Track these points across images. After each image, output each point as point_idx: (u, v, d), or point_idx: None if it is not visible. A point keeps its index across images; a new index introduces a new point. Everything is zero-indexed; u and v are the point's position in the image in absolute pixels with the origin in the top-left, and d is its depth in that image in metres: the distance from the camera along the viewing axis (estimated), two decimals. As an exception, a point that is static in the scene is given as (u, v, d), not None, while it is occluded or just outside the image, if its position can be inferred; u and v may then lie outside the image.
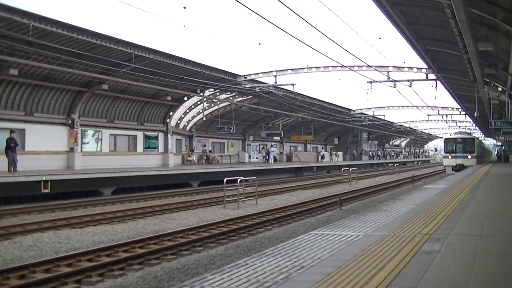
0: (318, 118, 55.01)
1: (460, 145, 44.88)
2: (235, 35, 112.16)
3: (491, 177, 22.82)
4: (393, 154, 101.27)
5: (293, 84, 36.11)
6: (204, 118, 42.29)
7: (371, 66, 30.00)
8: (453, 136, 48.51)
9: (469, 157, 44.01)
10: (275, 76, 34.92)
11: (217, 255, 11.90)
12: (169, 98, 36.11)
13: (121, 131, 35.58)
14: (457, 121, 65.95)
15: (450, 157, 44.51)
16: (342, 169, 42.29)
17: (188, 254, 12.32)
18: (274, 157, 57.91)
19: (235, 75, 36.00)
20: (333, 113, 54.41)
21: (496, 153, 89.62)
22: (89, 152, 32.78)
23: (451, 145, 45.49)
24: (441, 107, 59.11)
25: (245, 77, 36.09)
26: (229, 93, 41.08)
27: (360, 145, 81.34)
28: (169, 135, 39.77)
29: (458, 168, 42.39)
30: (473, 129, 73.79)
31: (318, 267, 5.38)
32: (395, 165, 56.45)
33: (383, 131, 77.70)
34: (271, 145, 59.90)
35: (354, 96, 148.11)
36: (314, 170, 54.90)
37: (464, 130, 55.60)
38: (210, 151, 48.57)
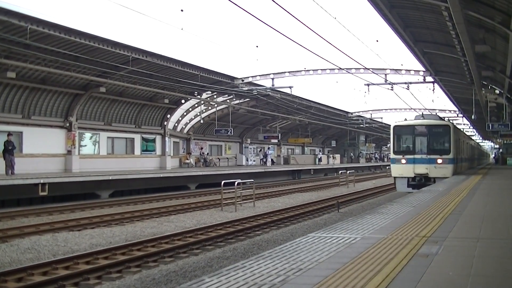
0: (316, 121, 55.04)
1: (422, 138, 25.46)
2: (233, 38, 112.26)
3: (488, 180, 22.84)
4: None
5: (290, 87, 36.13)
6: (202, 121, 42.28)
7: (368, 69, 30.05)
8: (409, 121, 27.13)
9: (439, 161, 24.65)
10: (273, 79, 34.94)
11: (215, 257, 11.90)
12: (166, 100, 36.12)
13: (118, 133, 35.56)
14: (455, 124, 66.10)
15: (403, 161, 25.16)
16: (340, 172, 42.31)
17: (186, 256, 12.33)
18: (272, 159, 57.93)
19: (232, 78, 36.01)
20: (330, 116, 54.45)
21: (493, 155, 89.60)
22: (87, 154, 32.75)
23: (406, 138, 26.10)
24: (438, 110, 59.11)
25: (243, 80, 36.10)
26: (227, 95, 41.12)
27: (358, 147, 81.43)
28: (166, 138, 39.75)
29: (419, 181, 24.35)
30: (471, 131, 73.71)
31: (316, 270, 5.37)
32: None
33: (381, 133, 77.79)
34: (269, 148, 59.91)
35: (352, 99, 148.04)
36: (312, 172, 54.97)
37: (431, 113, 34.67)
38: (207, 154, 48.56)
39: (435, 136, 25.66)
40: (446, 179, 22.27)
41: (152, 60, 28.62)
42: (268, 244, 13.53)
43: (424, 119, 26.91)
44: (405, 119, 27.93)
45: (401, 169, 25.20)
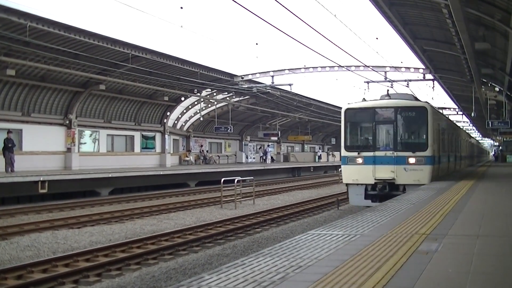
0: (315, 118, 55.03)
1: (386, 127, 18.53)
2: (232, 36, 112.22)
3: (488, 178, 22.84)
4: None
5: (290, 84, 36.09)
6: (201, 119, 42.29)
7: (368, 66, 30.02)
8: (367, 103, 19.30)
9: (412, 160, 17.72)
10: (272, 76, 34.91)
11: (215, 255, 11.92)
12: (166, 98, 36.09)
13: (118, 131, 35.56)
14: (454, 122, 66.05)
15: (359, 160, 18.21)
16: (340, 169, 42.26)
17: (186, 254, 12.34)
18: (271, 157, 57.92)
19: (232, 75, 35.99)
20: (330, 113, 54.37)
21: (493, 153, 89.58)
22: (86, 152, 32.75)
23: (363, 128, 19.39)
24: (438, 107, 59.17)
25: (242, 77, 36.08)
26: (226, 93, 41.08)
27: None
28: (166, 135, 39.75)
29: (382, 190, 17.59)
30: (471, 129, 73.70)
31: (316, 267, 5.37)
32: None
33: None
34: (268, 145, 59.90)
35: (351, 96, 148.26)
36: (312, 170, 54.97)
37: (403, 92, 26.86)
38: (207, 151, 48.56)
39: (406, 124, 18.47)
40: (422, 187, 16.18)
41: (151, 58, 28.60)
42: (268, 241, 13.54)
43: (389, 98, 19.31)
44: (363, 99, 19.73)
45: (356, 172, 18.17)
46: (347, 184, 18.73)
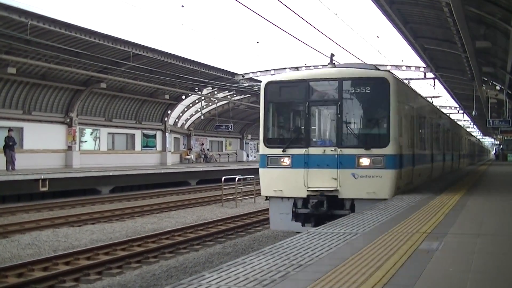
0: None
1: (328, 109, 12.25)
2: (233, 34, 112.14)
3: (489, 176, 22.81)
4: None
5: (291, 83, 36.04)
6: (202, 117, 42.28)
7: (369, 65, 29.98)
8: (299, 73, 16.55)
9: (365, 162, 11.37)
10: (273, 75, 34.91)
11: (215, 253, 11.93)
12: (167, 96, 36.11)
13: (119, 129, 35.57)
14: (455, 120, 65.92)
15: (285, 161, 11.86)
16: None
17: (186, 252, 12.35)
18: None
19: (233, 74, 36.01)
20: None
21: (494, 152, 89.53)
22: (87, 150, 32.79)
23: (295, 112, 12.79)
24: (439, 106, 59.08)
25: (243, 76, 36.09)
26: (227, 91, 41.10)
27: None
28: (167, 134, 39.77)
29: (317, 208, 11.28)
30: (472, 128, 73.50)
31: (316, 266, 5.37)
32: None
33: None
34: (269, 144, 59.82)
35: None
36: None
37: (355, 61, 22.24)
38: (208, 150, 48.57)
39: (356, 104, 12.30)
40: (379, 205, 10.60)
41: (152, 56, 28.61)
42: (269, 240, 13.56)
43: (334, 66, 12.88)
44: (296, 68, 12.11)
45: (281, 179, 12.03)
46: (267, 198, 12.41)
